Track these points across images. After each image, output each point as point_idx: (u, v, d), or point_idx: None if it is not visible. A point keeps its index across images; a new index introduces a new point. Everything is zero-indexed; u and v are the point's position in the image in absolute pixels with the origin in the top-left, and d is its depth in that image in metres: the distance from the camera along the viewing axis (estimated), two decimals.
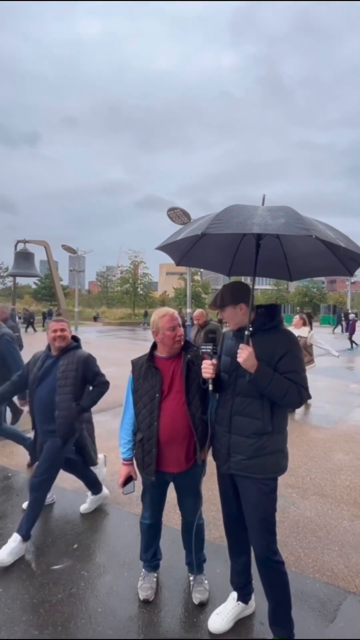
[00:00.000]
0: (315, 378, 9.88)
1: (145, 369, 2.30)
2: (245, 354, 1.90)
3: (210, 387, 2.07)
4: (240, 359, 1.91)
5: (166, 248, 2.19)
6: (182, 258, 2.35)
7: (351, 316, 19.32)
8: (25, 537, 2.77)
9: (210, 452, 2.27)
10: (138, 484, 2.43)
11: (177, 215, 18.11)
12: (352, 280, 35.14)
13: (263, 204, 1.92)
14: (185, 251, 2.29)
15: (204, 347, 2.11)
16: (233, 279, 2.38)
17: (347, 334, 17.89)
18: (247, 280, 2.78)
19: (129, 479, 2.40)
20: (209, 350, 2.09)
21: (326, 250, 2.08)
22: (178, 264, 2.40)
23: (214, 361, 2.08)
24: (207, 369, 2.05)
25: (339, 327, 26.55)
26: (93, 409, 3.27)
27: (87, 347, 3.26)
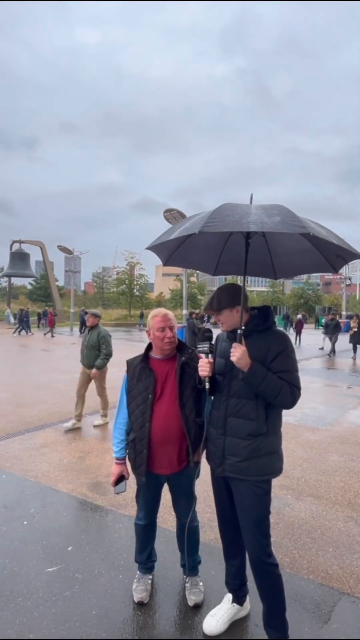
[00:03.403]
0: (310, 379, 9.92)
1: (140, 370, 2.29)
2: (238, 353, 1.90)
3: (207, 385, 2.05)
4: (233, 358, 1.91)
5: (155, 248, 2.17)
6: (169, 258, 2.34)
7: (298, 317, 21.78)
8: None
9: (204, 454, 2.27)
10: (130, 484, 2.43)
11: (174, 216, 18.14)
12: (347, 283, 35.28)
13: (251, 202, 1.92)
14: (173, 251, 2.28)
15: (200, 345, 2.09)
16: (219, 278, 2.40)
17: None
18: (235, 279, 2.80)
19: (121, 478, 2.40)
20: (206, 349, 2.08)
21: (311, 248, 2.09)
22: (165, 264, 2.38)
23: (211, 359, 2.07)
24: (204, 367, 2.03)
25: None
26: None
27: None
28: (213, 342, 2.15)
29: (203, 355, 2.08)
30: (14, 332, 24.21)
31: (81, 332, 24.62)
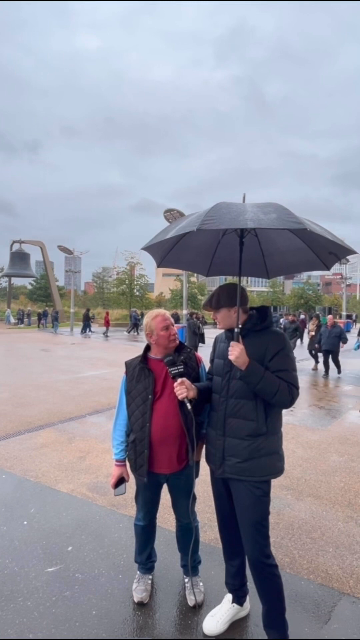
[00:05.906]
0: (310, 380, 9.92)
1: (139, 370, 2.29)
2: (236, 351, 1.90)
3: (189, 406, 2.06)
4: (231, 356, 1.91)
5: (151, 248, 2.18)
6: (163, 259, 2.35)
7: (302, 317, 22.11)
8: None
9: (204, 455, 2.27)
10: (130, 484, 2.42)
11: (174, 216, 18.16)
12: (348, 283, 35.27)
13: (244, 202, 1.93)
14: (167, 252, 2.29)
15: (170, 369, 2.11)
16: (219, 278, 2.41)
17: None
18: (235, 279, 2.82)
19: (120, 481, 2.39)
20: (177, 371, 2.09)
21: (304, 246, 2.10)
22: (159, 265, 2.39)
23: (182, 380, 2.07)
24: (179, 390, 2.04)
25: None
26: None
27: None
28: (180, 366, 2.14)
29: (175, 379, 2.09)
30: (82, 332, 23.78)
31: (129, 333, 24.78)
